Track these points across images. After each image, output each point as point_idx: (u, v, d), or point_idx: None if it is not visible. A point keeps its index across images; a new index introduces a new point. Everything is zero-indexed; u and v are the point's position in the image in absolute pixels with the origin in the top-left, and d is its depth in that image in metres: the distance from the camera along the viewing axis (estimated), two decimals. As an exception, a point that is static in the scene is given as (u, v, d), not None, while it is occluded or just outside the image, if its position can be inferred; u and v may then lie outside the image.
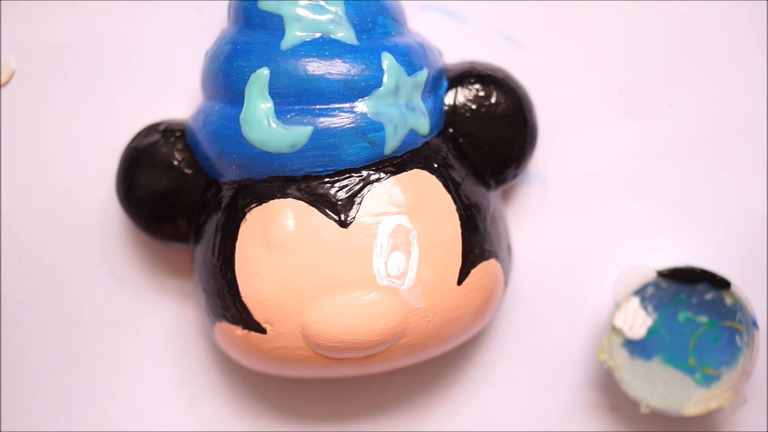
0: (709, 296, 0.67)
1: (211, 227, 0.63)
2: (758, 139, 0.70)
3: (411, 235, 0.61)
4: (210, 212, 0.64)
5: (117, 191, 0.66)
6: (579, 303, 0.70)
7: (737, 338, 0.67)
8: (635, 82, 0.70)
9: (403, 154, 0.62)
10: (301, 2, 0.61)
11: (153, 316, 0.71)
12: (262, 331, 0.62)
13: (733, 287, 0.66)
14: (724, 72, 0.70)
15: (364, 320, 0.60)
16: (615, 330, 0.67)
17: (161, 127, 0.66)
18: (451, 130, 0.65)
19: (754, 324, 0.66)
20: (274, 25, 0.62)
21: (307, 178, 0.61)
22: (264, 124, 0.61)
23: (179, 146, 0.65)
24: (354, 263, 0.60)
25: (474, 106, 0.65)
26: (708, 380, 0.67)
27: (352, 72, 0.61)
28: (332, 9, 0.61)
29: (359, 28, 0.62)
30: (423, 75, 0.63)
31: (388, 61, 0.61)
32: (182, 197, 0.65)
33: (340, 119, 0.61)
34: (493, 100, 0.65)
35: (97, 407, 0.71)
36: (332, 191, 0.61)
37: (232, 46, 0.62)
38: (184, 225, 0.65)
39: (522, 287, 0.70)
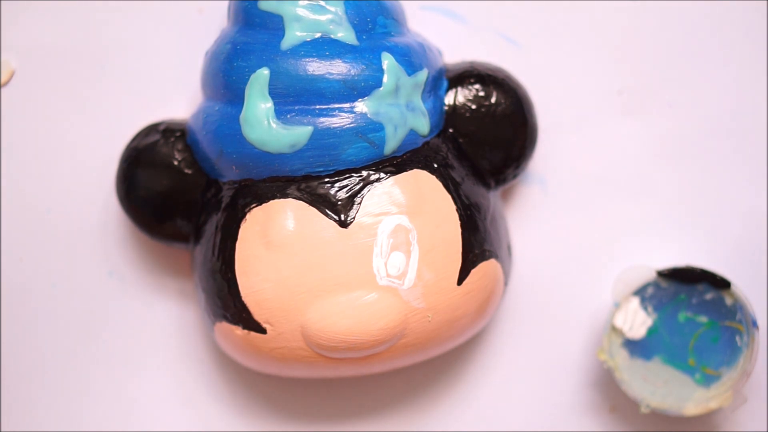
0: (709, 296, 0.67)
1: (211, 227, 0.63)
2: (758, 138, 0.70)
3: (411, 235, 0.61)
4: (210, 212, 0.64)
5: (117, 191, 0.66)
6: (579, 303, 0.70)
7: (737, 338, 0.67)
8: (635, 82, 0.70)
9: (403, 154, 0.62)
10: (301, 2, 0.61)
11: (153, 316, 0.71)
12: (262, 331, 0.62)
13: (733, 287, 0.66)
14: (724, 72, 0.70)
15: (364, 320, 0.60)
16: (615, 330, 0.67)
17: (161, 127, 0.66)
18: (451, 130, 0.65)
19: (754, 324, 0.66)
20: (274, 25, 0.62)
21: (307, 178, 0.61)
22: (264, 124, 0.61)
23: (179, 146, 0.65)
24: (354, 263, 0.60)
25: (474, 106, 0.65)
26: (708, 380, 0.67)
27: (352, 72, 0.61)
28: (332, 9, 0.62)
29: (359, 28, 0.62)
30: (423, 75, 0.63)
31: (388, 61, 0.61)
32: (182, 197, 0.65)
33: (340, 119, 0.61)
34: (493, 100, 0.65)
35: (96, 407, 0.71)
36: (332, 191, 0.61)
37: (232, 46, 0.62)
38: (184, 225, 0.65)
39: (522, 287, 0.70)
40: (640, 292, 0.67)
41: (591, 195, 0.70)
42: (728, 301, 0.67)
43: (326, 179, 0.61)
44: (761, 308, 0.69)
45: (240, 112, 0.61)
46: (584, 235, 0.70)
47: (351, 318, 0.60)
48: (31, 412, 0.71)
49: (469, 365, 0.71)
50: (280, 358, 0.62)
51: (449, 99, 0.65)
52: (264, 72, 0.61)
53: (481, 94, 0.65)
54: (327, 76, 0.61)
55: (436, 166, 0.63)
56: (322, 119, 0.60)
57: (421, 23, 0.68)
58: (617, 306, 0.67)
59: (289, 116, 0.61)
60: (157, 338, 0.71)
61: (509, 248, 0.67)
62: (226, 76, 0.62)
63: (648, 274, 0.67)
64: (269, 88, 0.61)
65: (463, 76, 0.65)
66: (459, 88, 0.65)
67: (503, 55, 0.69)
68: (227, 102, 0.62)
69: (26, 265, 0.70)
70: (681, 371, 0.67)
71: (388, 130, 0.61)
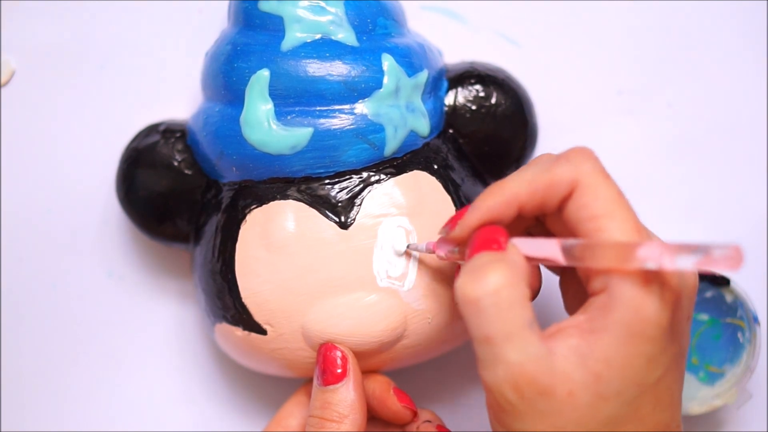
0: (709, 294, 0.67)
1: (211, 228, 0.63)
2: (758, 138, 0.70)
3: (411, 236, 0.61)
4: (210, 213, 0.64)
5: (117, 191, 0.66)
6: (579, 302, 0.70)
7: (739, 335, 0.67)
8: (635, 82, 0.70)
9: (404, 156, 0.62)
10: (301, 3, 0.61)
11: (153, 317, 0.71)
12: (263, 332, 0.62)
13: (732, 284, 0.66)
14: (723, 72, 0.70)
15: (365, 322, 0.60)
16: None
17: (161, 128, 0.66)
18: (451, 131, 0.65)
19: (755, 320, 0.66)
20: (275, 26, 0.62)
21: (308, 179, 0.61)
22: (264, 125, 0.61)
23: (179, 147, 0.65)
24: (354, 265, 0.60)
25: (474, 107, 0.65)
26: (712, 378, 0.67)
27: (353, 73, 0.61)
28: (332, 10, 0.61)
29: (359, 29, 0.62)
30: (423, 76, 0.63)
31: (388, 62, 0.61)
32: (182, 198, 0.65)
33: (340, 120, 0.60)
34: (493, 100, 0.65)
35: (97, 407, 0.71)
36: (332, 193, 0.61)
37: (232, 47, 0.62)
38: (184, 226, 0.65)
39: (522, 287, 0.70)
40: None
41: (591, 195, 0.70)
42: (728, 298, 0.67)
43: (326, 180, 0.61)
44: (761, 304, 0.69)
45: (240, 113, 0.61)
46: (584, 235, 0.70)
47: (351, 319, 0.60)
48: (31, 412, 0.71)
49: (470, 366, 0.71)
50: (280, 359, 0.62)
51: (449, 99, 0.65)
52: (264, 73, 0.61)
53: (482, 94, 0.65)
54: (327, 77, 0.60)
55: (436, 167, 0.63)
56: (322, 120, 0.60)
57: (421, 23, 0.68)
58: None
59: (289, 117, 0.61)
60: (157, 338, 0.71)
61: (509, 248, 0.67)
62: (227, 77, 0.62)
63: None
64: (269, 90, 0.61)
65: (463, 77, 0.65)
66: (459, 89, 0.65)
67: (503, 55, 0.69)
68: (227, 103, 0.62)
69: (26, 265, 0.70)
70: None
71: (389, 131, 0.61)
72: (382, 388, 0.62)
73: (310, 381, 0.64)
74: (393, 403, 0.61)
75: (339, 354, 0.60)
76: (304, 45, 0.61)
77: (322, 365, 0.60)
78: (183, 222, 0.65)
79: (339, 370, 0.60)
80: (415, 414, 0.62)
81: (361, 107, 0.61)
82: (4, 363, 0.70)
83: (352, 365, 0.60)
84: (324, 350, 0.60)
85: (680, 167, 0.70)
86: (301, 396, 0.65)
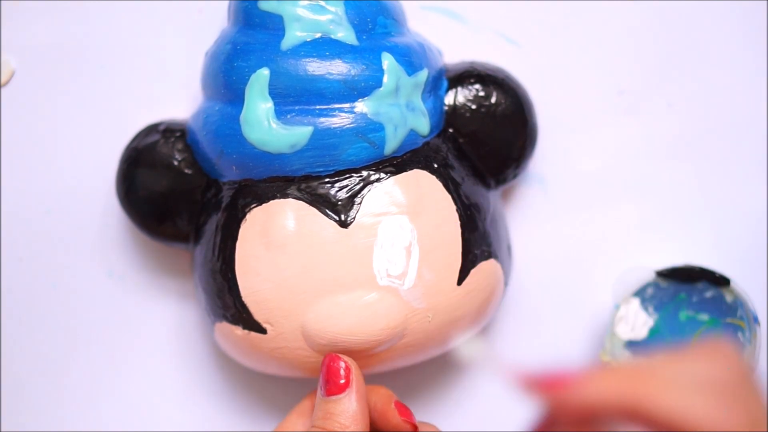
0: (709, 294, 0.67)
1: (211, 227, 0.63)
2: (758, 138, 0.70)
3: (411, 235, 0.61)
4: (210, 212, 0.64)
5: (117, 191, 0.66)
6: (579, 303, 0.70)
7: (739, 335, 0.67)
8: (635, 82, 0.70)
9: (404, 155, 0.62)
10: (301, 2, 0.61)
11: (153, 316, 0.71)
12: (263, 331, 0.62)
13: (732, 284, 0.66)
14: (723, 72, 0.70)
15: (365, 320, 0.60)
16: (617, 331, 0.67)
17: (161, 127, 0.66)
18: (451, 130, 0.65)
19: (756, 320, 0.66)
20: (275, 25, 0.62)
21: (307, 178, 0.61)
22: (264, 124, 0.61)
23: (179, 146, 0.65)
24: (354, 263, 0.60)
25: (474, 106, 0.65)
26: (711, 379, 0.67)
27: (352, 72, 0.61)
28: (332, 9, 0.61)
29: (359, 28, 0.62)
30: (423, 75, 0.63)
31: (388, 61, 0.61)
32: (182, 197, 0.65)
33: (340, 119, 0.61)
34: (493, 100, 0.65)
35: (97, 407, 0.71)
36: (332, 191, 0.61)
37: (232, 47, 0.62)
38: (184, 225, 0.65)
39: (522, 287, 0.70)
40: (640, 293, 0.67)
41: (591, 195, 0.70)
42: (728, 298, 0.67)
43: (326, 179, 0.61)
44: (761, 304, 0.69)
45: (240, 112, 0.61)
46: (584, 235, 0.70)
47: (351, 318, 0.60)
48: (31, 412, 0.71)
49: (469, 366, 0.71)
50: (280, 358, 0.62)
51: (449, 99, 0.65)
52: (264, 72, 0.61)
53: (481, 94, 0.65)
54: (327, 76, 0.61)
55: (436, 166, 0.63)
56: (322, 119, 0.60)
57: (421, 23, 0.68)
58: (617, 308, 0.67)
59: (289, 116, 0.61)
60: (157, 338, 0.71)
61: (509, 248, 0.67)
62: (227, 76, 0.62)
63: (647, 275, 0.67)
64: (269, 89, 0.61)
65: (463, 76, 0.65)
66: (459, 88, 0.65)
67: (503, 55, 0.69)
68: (227, 102, 0.62)
69: (26, 265, 0.70)
70: (683, 371, 0.67)
71: (388, 130, 0.61)
72: (383, 401, 0.62)
73: (314, 391, 0.64)
74: (393, 417, 0.61)
75: (343, 365, 0.60)
76: (304, 44, 0.61)
77: (326, 375, 0.60)
78: (183, 222, 0.65)
79: (342, 381, 0.60)
80: (415, 428, 0.62)
81: (361, 106, 0.61)
82: (4, 363, 0.70)
83: (356, 376, 0.60)
84: (328, 360, 0.60)
85: (680, 167, 0.70)
86: (304, 406, 0.65)
